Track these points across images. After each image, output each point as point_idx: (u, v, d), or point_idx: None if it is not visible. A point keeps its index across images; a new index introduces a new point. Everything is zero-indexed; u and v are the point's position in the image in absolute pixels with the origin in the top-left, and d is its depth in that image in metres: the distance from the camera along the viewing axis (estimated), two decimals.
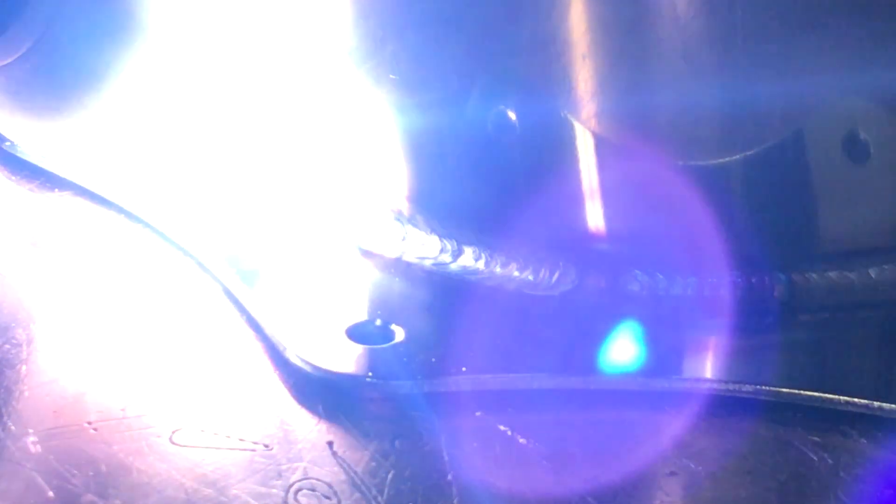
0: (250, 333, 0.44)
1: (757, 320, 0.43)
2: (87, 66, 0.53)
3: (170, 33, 0.52)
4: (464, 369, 0.41)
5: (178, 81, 0.52)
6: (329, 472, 0.38)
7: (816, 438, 0.39)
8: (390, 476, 0.38)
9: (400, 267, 0.46)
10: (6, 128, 0.55)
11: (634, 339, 0.42)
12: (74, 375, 0.41)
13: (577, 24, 0.42)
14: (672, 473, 0.38)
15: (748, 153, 0.42)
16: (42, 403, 0.40)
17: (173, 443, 0.39)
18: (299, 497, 0.37)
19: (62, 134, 0.53)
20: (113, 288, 0.46)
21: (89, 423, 0.40)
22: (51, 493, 0.37)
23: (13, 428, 0.39)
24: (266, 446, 0.39)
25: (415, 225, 0.46)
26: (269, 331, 0.43)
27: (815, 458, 0.39)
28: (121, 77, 0.51)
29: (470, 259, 0.45)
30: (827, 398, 0.40)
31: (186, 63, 0.52)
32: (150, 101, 0.53)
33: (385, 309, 0.44)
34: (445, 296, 0.45)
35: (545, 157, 0.44)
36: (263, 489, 0.37)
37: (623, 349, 0.41)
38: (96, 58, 0.53)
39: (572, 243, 0.44)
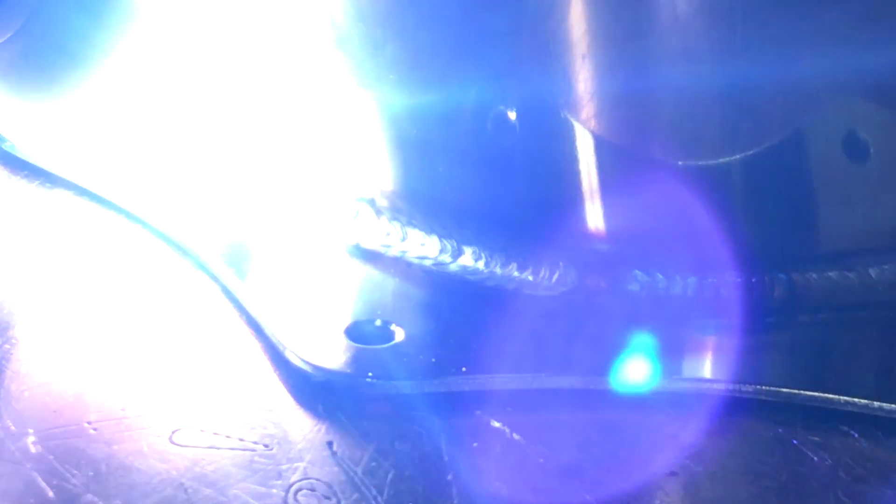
0: (250, 333, 0.44)
1: (757, 320, 0.43)
2: (77, 49, 0.53)
3: (162, 18, 0.52)
4: (464, 369, 0.41)
5: (171, 70, 0.52)
6: (329, 472, 0.38)
7: (816, 438, 0.39)
8: (390, 476, 0.38)
9: (400, 267, 0.46)
10: (5, 126, 0.55)
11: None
12: (74, 375, 0.41)
13: (577, 24, 0.42)
14: (672, 473, 0.38)
15: (748, 153, 0.42)
16: (42, 403, 0.40)
17: (173, 443, 0.39)
18: (299, 497, 0.37)
19: (56, 122, 0.53)
20: (113, 288, 0.46)
21: (89, 423, 0.40)
22: (51, 493, 0.37)
23: (13, 428, 0.39)
24: (266, 446, 0.39)
25: (415, 225, 0.46)
26: (268, 331, 0.43)
27: (815, 458, 0.39)
28: (111, 60, 0.51)
29: (470, 259, 0.45)
30: (827, 398, 0.40)
31: (180, 51, 0.52)
32: (142, 87, 0.53)
33: (385, 309, 0.44)
34: (445, 296, 0.45)
35: (545, 157, 0.44)
36: (263, 489, 0.37)
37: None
38: (86, 40, 0.53)
39: (572, 243, 0.44)
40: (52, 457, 0.38)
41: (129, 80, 0.53)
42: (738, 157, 0.42)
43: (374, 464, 0.38)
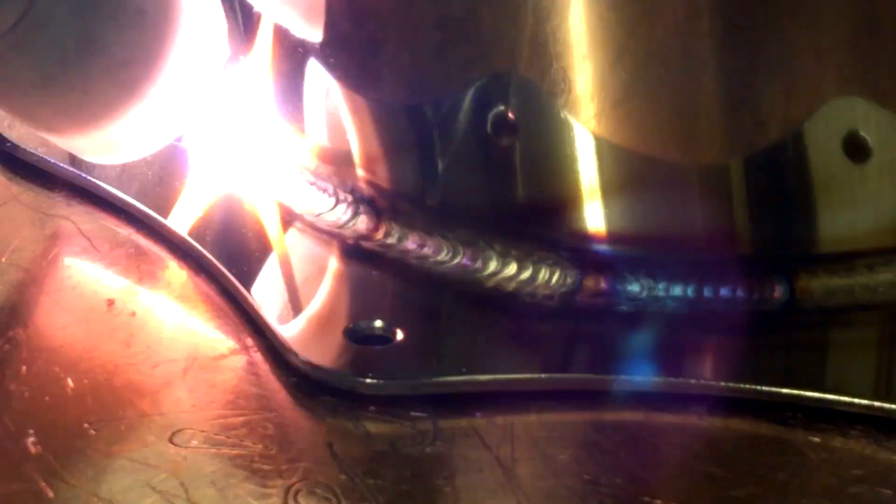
0: (250, 333, 0.44)
1: (757, 320, 0.43)
2: (73, 43, 0.53)
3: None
4: (464, 370, 0.41)
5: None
6: (329, 473, 0.38)
7: (816, 439, 0.39)
8: (390, 477, 0.38)
9: (400, 267, 0.46)
10: (6, 127, 0.54)
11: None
12: (74, 376, 0.41)
13: (577, 24, 0.42)
14: (672, 474, 0.38)
15: (748, 153, 0.42)
16: (42, 403, 0.40)
17: (173, 443, 0.39)
18: (299, 498, 0.37)
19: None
20: (113, 288, 0.46)
21: (89, 423, 0.40)
22: (51, 493, 0.37)
23: (13, 428, 0.39)
24: (266, 447, 0.39)
25: (415, 225, 0.46)
26: (268, 331, 0.43)
27: (815, 458, 0.39)
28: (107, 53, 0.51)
29: (470, 259, 0.45)
30: (827, 398, 0.40)
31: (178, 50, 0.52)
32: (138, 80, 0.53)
33: (385, 309, 0.44)
34: (445, 296, 0.45)
35: (545, 157, 0.44)
36: (263, 489, 0.37)
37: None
38: (81, 34, 0.53)
39: (572, 243, 0.44)
40: (52, 457, 0.38)
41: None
42: (738, 157, 0.42)
43: (374, 465, 0.38)
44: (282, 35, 0.48)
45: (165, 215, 0.49)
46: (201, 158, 0.51)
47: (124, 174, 0.50)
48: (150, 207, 0.49)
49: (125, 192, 0.50)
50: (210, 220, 0.49)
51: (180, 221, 0.49)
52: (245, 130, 0.50)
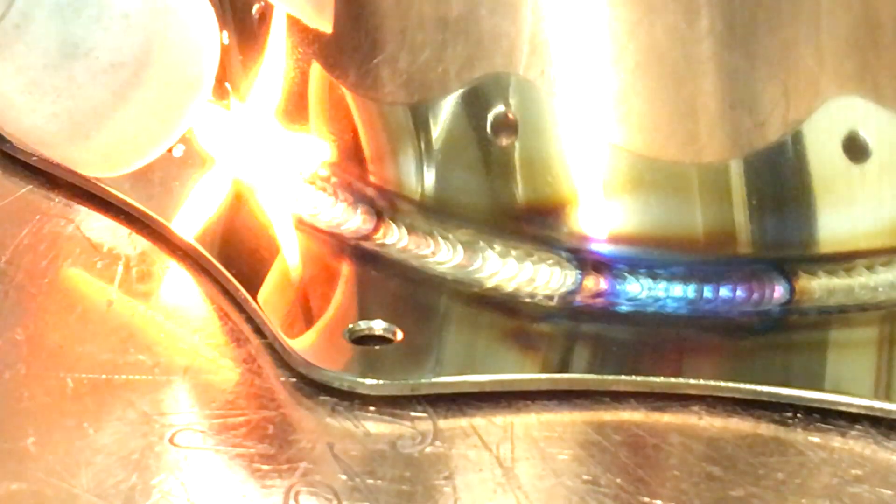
0: (250, 333, 0.44)
1: (757, 320, 0.43)
2: (56, 47, 0.53)
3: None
4: (464, 370, 0.41)
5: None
6: (329, 473, 0.38)
7: (816, 439, 0.39)
8: (390, 477, 0.38)
9: (400, 267, 0.46)
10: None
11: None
12: (75, 376, 0.41)
13: (577, 24, 0.42)
14: (673, 474, 0.38)
15: (748, 153, 0.42)
16: (42, 403, 0.40)
17: (173, 444, 0.39)
18: (299, 498, 0.37)
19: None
20: (112, 288, 0.46)
21: (88, 423, 0.40)
22: (51, 494, 0.37)
23: (13, 428, 0.39)
24: (266, 447, 0.39)
25: (415, 225, 0.46)
26: (268, 331, 0.43)
27: (814, 458, 0.39)
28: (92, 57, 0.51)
29: (469, 259, 0.45)
30: (827, 398, 0.40)
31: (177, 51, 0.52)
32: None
33: (385, 309, 0.44)
34: (445, 296, 0.45)
35: (545, 157, 0.44)
36: (263, 489, 0.37)
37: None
38: (64, 37, 0.52)
39: (572, 243, 0.44)
40: (51, 457, 0.38)
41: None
42: (738, 157, 0.42)
43: (374, 465, 0.38)
44: (281, 35, 0.48)
45: (166, 216, 0.49)
46: (201, 159, 0.51)
47: (126, 176, 0.50)
48: (150, 209, 0.49)
49: (127, 194, 0.50)
50: (210, 221, 0.49)
51: (181, 222, 0.49)
52: (244, 132, 0.50)
